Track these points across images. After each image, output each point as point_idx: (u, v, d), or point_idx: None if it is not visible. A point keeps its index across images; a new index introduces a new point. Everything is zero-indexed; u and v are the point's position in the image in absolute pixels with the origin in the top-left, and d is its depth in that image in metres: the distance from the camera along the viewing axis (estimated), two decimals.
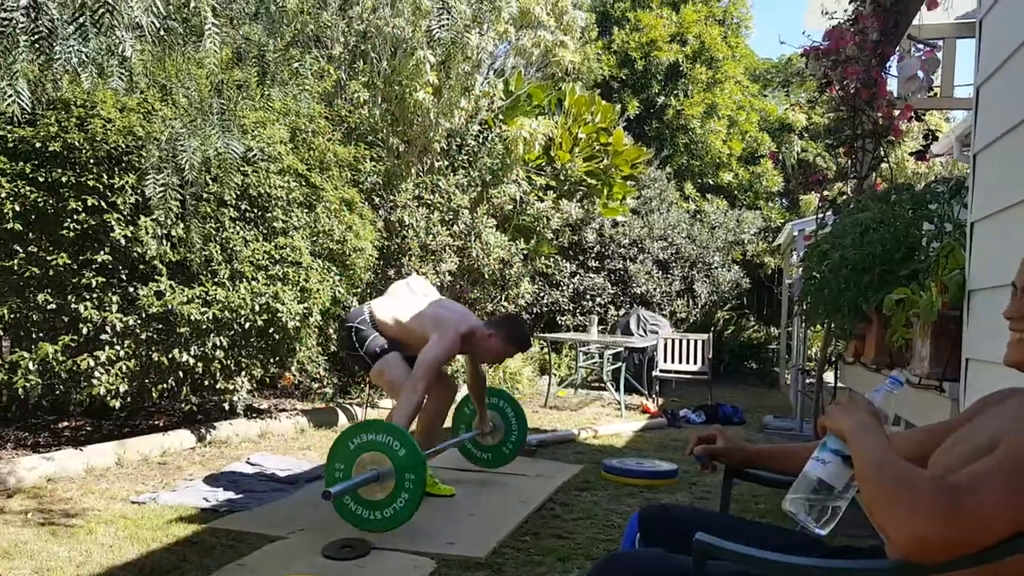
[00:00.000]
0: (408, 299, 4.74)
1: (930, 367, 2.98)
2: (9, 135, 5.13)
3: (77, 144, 5.18)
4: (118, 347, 5.27)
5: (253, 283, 5.88)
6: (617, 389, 9.19)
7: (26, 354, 5.02)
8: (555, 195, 12.00)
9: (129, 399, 5.50)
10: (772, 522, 2.09)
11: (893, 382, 1.55)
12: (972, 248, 2.79)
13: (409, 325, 4.53)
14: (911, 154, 5.79)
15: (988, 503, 1.22)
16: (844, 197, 5.68)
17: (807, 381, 8.12)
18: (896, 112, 5.49)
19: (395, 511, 3.73)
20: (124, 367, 5.27)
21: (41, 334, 5.16)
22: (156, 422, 6.53)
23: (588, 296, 12.70)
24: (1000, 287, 2.42)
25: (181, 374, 5.64)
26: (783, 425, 7.85)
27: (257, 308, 5.78)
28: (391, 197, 9.17)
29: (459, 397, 5.45)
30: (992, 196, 2.61)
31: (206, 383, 5.87)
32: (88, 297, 5.20)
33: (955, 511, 1.22)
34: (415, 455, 3.71)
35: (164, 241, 5.48)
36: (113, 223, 5.21)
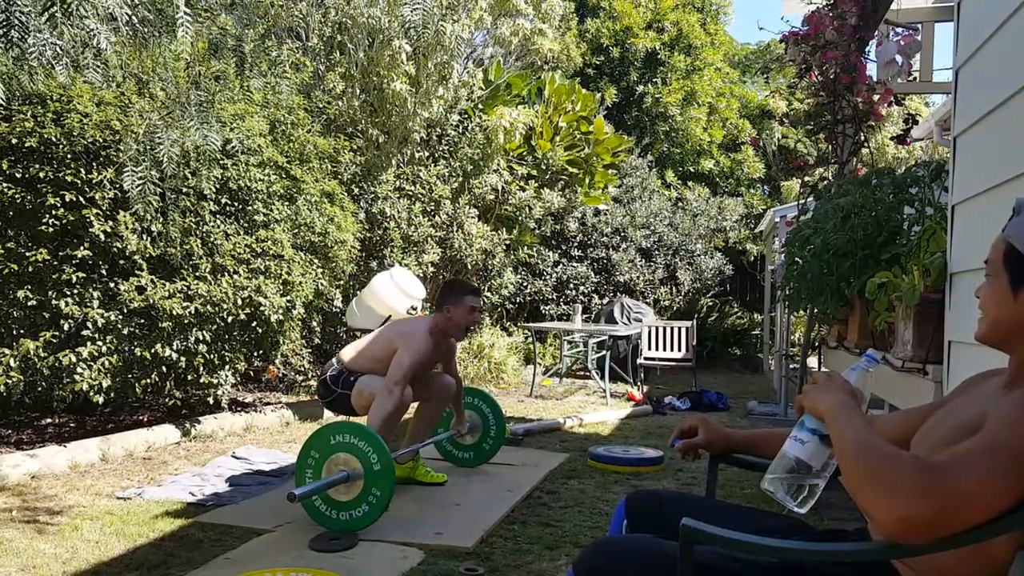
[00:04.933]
0: (367, 336, 4.71)
1: (913, 350, 2.99)
2: None
3: (54, 139, 5.12)
4: (100, 343, 5.23)
5: (235, 276, 5.85)
6: (602, 377, 9.21)
7: (7, 351, 4.97)
8: (537, 184, 11.97)
9: (112, 394, 5.46)
10: (758, 506, 2.09)
11: (869, 360, 1.53)
12: (953, 231, 2.80)
13: (373, 350, 4.48)
14: (892, 138, 5.83)
15: (970, 482, 1.21)
16: (825, 182, 5.70)
17: (791, 366, 8.16)
18: (876, 97, 5.52)
19: (359, 515, 3.71)
20: (107, 363, 5.24)
21: (22, 331, 5.12)
22: (140, 417, 6.49)
23: (571, 285, 12.70)
24: (982, 269, 2.43)
25: (164, 369, 5.60)
26: (767, 410, 7.89)
27: (239, 302, 5.75)
28: (372, 188, 9.14)
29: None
30: (972, 179, 2.62)
31: (190, 377, 5.83)
32: (68, 293, 5.16)
33: (937, 489, 1.21)
34: (387, 467, 3.68)
35: (144, 236, 5.44)
36: (92, 218, 5.16)
